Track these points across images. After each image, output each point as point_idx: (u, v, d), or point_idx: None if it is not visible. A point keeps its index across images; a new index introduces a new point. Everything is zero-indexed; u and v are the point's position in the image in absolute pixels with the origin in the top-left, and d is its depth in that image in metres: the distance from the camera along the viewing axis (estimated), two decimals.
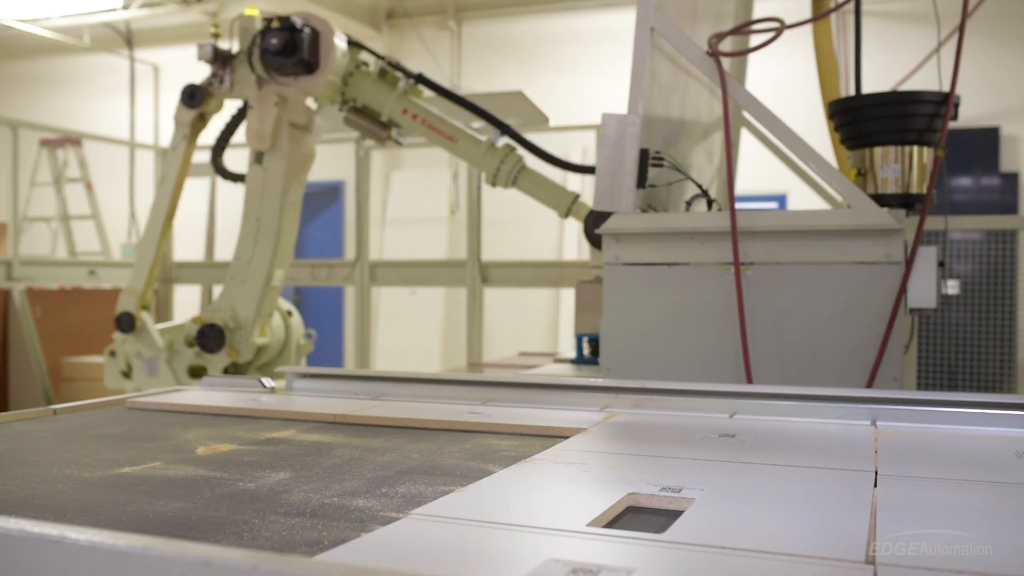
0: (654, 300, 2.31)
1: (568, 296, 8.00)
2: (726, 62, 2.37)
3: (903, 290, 2.11)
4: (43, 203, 9.46)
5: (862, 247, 2.15)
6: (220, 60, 3.99)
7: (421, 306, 9.26)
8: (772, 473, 1.17)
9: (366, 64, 4.06)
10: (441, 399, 1.87)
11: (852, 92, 2.52)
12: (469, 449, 1.38)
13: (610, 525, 0.95)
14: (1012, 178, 7.21)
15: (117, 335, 4.28)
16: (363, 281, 6.29)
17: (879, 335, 2.11)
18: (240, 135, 4.17)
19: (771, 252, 2.21)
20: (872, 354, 2.12)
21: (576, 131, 7.73)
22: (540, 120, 6.37)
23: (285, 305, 4.48)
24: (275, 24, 3.74)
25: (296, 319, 4.52)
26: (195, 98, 4.07)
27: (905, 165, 2.30)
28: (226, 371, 4.08)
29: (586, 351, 3.32)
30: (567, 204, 3.84)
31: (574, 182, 7.79)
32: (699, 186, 2.58)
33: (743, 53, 2.92)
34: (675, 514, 0.96)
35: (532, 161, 3.94)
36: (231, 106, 4.25)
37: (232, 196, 4.56)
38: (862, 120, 2.34)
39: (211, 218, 7.93)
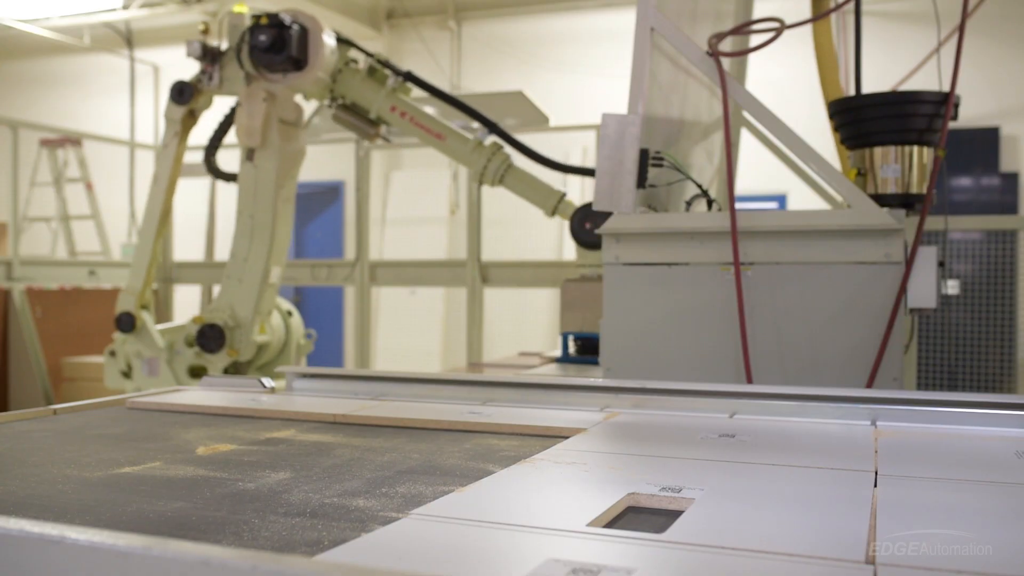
0: (654, 300, 2.31)
1: None
2: (726, 62, 2.37)
3: (903, 290, 2.11)
4: (43, 203, 9.46)
5: (862, 247, 2.15)
6: (209, 57, 3.99)
7: (421, 306, 9.26)
8: (772, 473, 1.17)
9: (355, 61, 4.06)
10: (441, 399, 1.87)
11: (852, 92, 2.52)
12: (469, 449, 1.37)
13: (610, 525, 0.95)
14: (1012, 178, 7.22)
15: (117, 335, 4.28)
16: (363, 281, 6.28)
17: (879, 335, 2.11)
18: (232, 134, 4.18)
19: (771, 252, 2.21)
20: (872, 354, 2.12)
21: (576, 131, 7.73)
22: (540, 120, 6.38)
23: (285, 305, 4.48)
24: (264, 21, 3.74)
25: (296, 319, 4.52)
26: (184, 95, 4.07)
27: (905, 165, 2.29)
28: (226, 371, 4.08)
29: (571, 349, 3.32)
30: (553, 203, 3.84)
31: (574, 182, 7.79)
32: (699, 186, 2.58)
33: (743, 53, 2.92)
34: (675, 514, 0.96)
35: (522, 161, 3.94)
36: (223, 105, 4.25)
37: (232, 196, 4.56)
38: (862, 120, 2.34)
39: (211, 218, 7.93)
